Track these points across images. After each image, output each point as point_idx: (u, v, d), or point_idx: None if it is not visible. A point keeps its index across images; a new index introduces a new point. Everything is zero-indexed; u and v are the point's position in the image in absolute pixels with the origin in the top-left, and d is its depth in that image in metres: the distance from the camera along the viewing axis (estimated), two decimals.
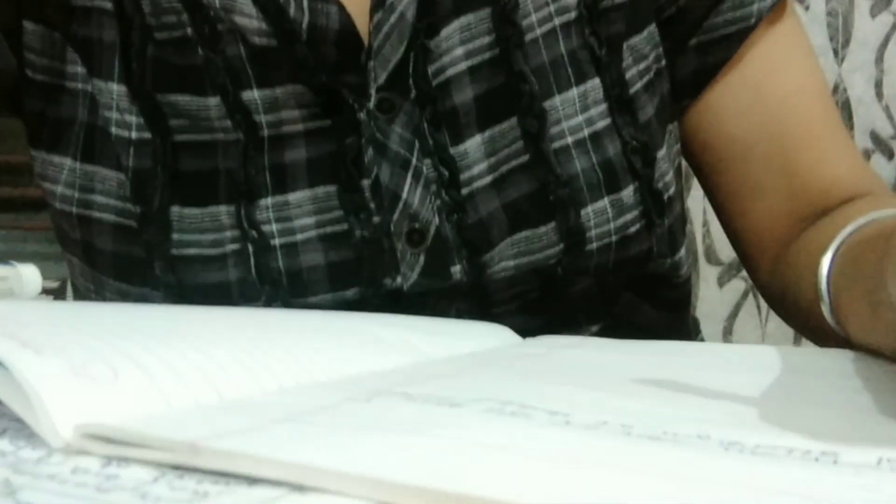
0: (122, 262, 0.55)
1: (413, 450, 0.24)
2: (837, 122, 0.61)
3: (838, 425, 0.29)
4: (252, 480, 0.23)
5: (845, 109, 1.51)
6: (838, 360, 0.40)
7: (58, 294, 1.25)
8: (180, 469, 0.24)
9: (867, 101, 1.51)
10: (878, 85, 1.51)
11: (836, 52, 1.48)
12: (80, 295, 0.60)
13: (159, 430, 0.25)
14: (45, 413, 0.25)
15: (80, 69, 0.55)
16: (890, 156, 1.54)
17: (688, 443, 0.25)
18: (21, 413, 0.26)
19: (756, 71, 0.58)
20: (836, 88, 1.48)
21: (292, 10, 0.52)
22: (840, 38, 1.48)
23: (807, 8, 1.46)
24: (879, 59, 1.52)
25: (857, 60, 1.50)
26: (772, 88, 0.59)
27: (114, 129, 0.54)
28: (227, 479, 0.23)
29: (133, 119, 0.54)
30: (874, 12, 1.51)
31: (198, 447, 0.23)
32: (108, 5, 0.54)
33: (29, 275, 0.91)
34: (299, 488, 0.22)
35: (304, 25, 0.52)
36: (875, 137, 1.53)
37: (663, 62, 0.57)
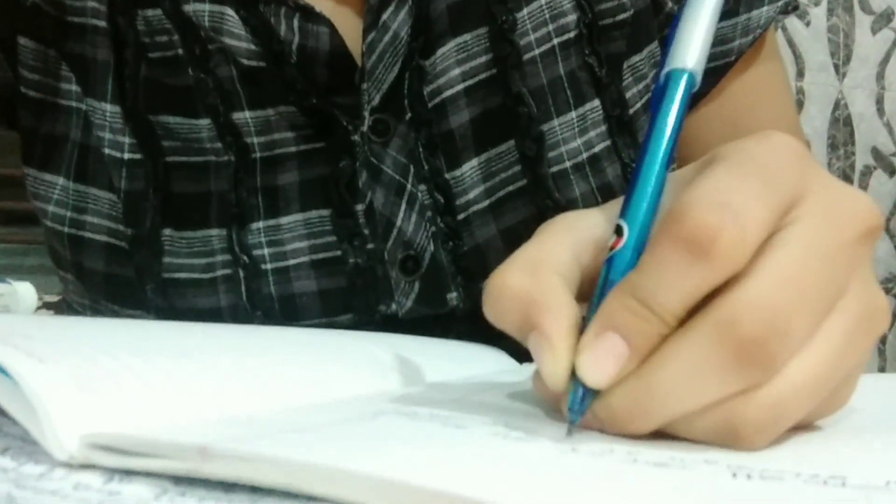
0: (113, 284, 0.54)
1: (423, 459, 0.24)
2: None
3: (846, 448, 0.29)
4: (255, 497, 0.23)
5: (847, 126, 1.51)
6: None
7: (58, 308, 1.25)
8: (183, 486, 0.24)
9: (868, 118, 1.51)
10: (880, 101, 1.51)
11: (837, 69, 1.48)
12: (74, 313, 0.59)
13: (166, 437, 0.25)
14: (49, 423, 0.25)
15: (74, 87, 0.54)
16: (891, 172, 1.54)
17: (695, 468, 0.25)
18: (24, 422, 0.26)
19: (733, 106, 0.59)
20: (837, 105, 1.49)
21: (282, 31, 0.51)
22: (841, 55, 1.48)
23: (808, 24, 1.47)
24: (880, 76, 1.52)
25: (858, 77, 1.50)
26: (748, 124, 0.59)
27: (106, 150, 0.53)
28: (230, 496, 0.23)
29: (126, 140, 0.53)
30: (875, 29, 1.51)
31: (207, 451, 0.23)
32: (103, 24, 0.53)
33: (24, 292, 0.91)
34: (304, 500, 0.22)
35: (294, 47, 0.51)
36: (876, 154, 1.53)
37: None
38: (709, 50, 0.31)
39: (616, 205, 0.31)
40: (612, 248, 0.29)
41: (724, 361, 0.26)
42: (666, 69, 0.31)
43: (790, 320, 0.26)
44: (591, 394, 0.28)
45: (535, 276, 0.29)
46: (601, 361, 0.27)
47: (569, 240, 0.31)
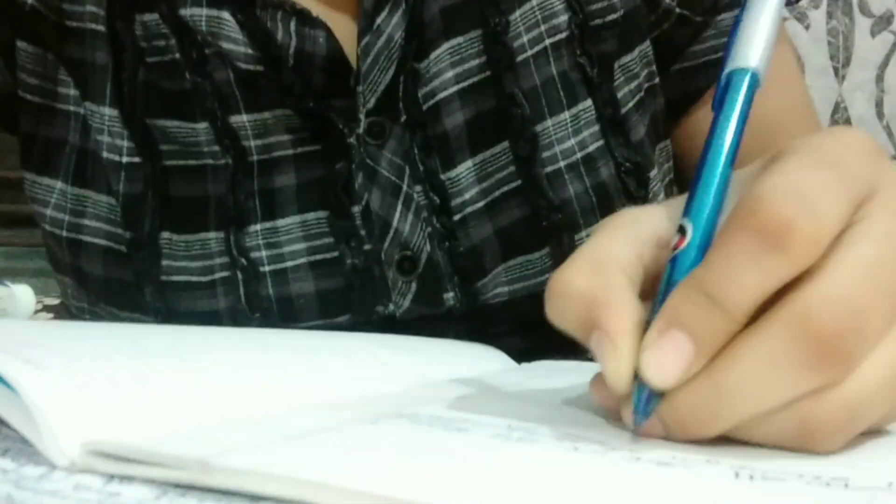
0: (111, 287, 0.54)
1: (424, 471, 0.24)
2: None
3: (848, 449, 0.29)
4: (256, 501, 0.23)
5: None
6: None
7: (58, 311, 1.25)
8: (182, 487, 0.24)
9: (868, 120, 1.51)
10: (879, 104, 1.51)
11: (836, 72, 1.49)
12: (73, 316, 0.59)
13: (168, 448, 0.24)
14: (48, 430, 0.25)
15: (72, 91, 0.54)
16: None
17: (697, 468, 0.25)
18: (23, 430, 0.26)
19: None
20: (836, 107, 1.49)
21: (279, 36, 0.51)
22: (841, 58, 1.48)
23: (807, 27, 1.47)
24: (880, 79, 1.52)
25: (857, 80, 1.50)
26: (757, 112, 0.59)
27: (105, 153, 0.54)
28: (230, 498, 0.23)
29: (124, 143, 0.53)
30: (874, 32, 1.51)
31: (208, 464, 0.23)
32: (101, 28, 0.54)
33: (22, 295, 0.91)
34: None
35: (291, 51, 0.51)
36: None
37: (656, 80, 0.57)
38: (773, 48, 0.30)
39: (677, 202, 0.30)
40: (675, 248, 0.28)
41: (800, 357, 0.25)
42: (728, 69, 0.30)
43: (868, 317, 0.25)
44: (657, 396, 0.27)
45: (599, 275, 0.28)
46: (666, 360, 0.26)
47: (631, 237, 0.30)
